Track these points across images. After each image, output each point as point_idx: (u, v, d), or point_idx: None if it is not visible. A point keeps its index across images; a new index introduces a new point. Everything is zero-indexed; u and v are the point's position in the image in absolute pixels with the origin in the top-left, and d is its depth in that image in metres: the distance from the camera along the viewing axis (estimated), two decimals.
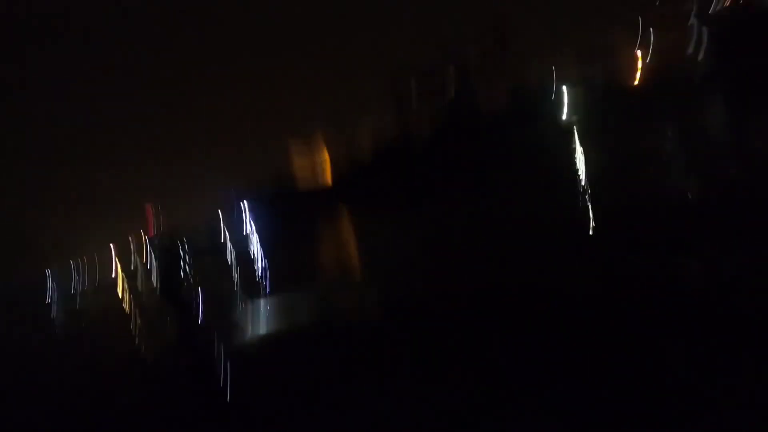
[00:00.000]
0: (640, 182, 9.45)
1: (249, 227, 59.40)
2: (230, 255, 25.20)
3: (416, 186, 34.70)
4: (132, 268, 53.76)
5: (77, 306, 28.80)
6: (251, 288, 11.55)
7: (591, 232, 7.36)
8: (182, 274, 5.12)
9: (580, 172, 13.01)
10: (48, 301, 55.38)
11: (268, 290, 9.48)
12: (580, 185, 10.95)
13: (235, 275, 15.73)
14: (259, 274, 15.35)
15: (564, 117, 51.42)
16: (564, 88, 68.83)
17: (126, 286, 33.74)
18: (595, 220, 8.10)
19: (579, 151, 20.24)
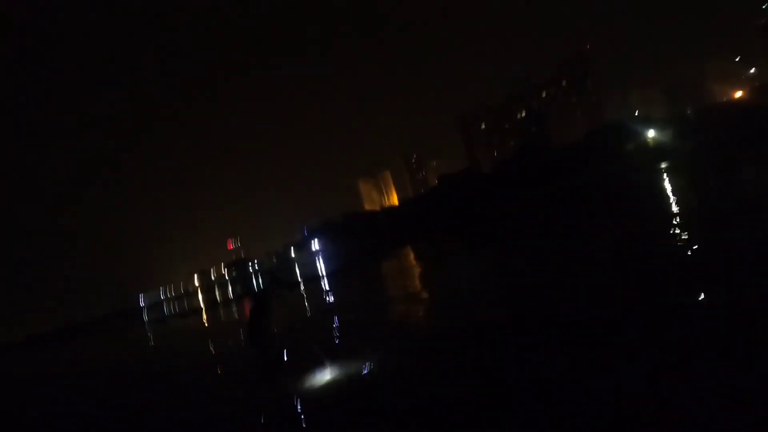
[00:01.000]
0: (736, 224, 8.58)
1: (319, 262, 62.53)
2: (301, 288, 26.42)
3: (486, 225, 34.40)
4: (215, 296, 58.91)
5: (167, 326, 31.64)
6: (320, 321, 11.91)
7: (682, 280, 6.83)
8: (267, 317, 5.63)
9: (668, 212, 12.17)
10: (144, 319, 61.94)
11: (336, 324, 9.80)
12: (668, 226, 10.27)
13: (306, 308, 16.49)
14: (328, 305, 16.01)
15: (648, 156, 48.46)
16: (649, 125, 65.02)
17: (208, 311, 36.25)
18: (686, 264, 7.36)
19: (667, 191, 19.00)
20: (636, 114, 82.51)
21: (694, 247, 7.59)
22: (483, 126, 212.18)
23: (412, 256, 24.06)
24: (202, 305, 47.89)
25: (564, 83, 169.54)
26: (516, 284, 9.02)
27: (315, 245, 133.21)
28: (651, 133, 60.85)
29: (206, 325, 22.36)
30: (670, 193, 16.03)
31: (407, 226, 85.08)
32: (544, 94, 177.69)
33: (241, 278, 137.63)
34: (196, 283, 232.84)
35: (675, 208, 12.11)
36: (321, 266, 46.71)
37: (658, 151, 49.26)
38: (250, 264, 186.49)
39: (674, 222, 10.09)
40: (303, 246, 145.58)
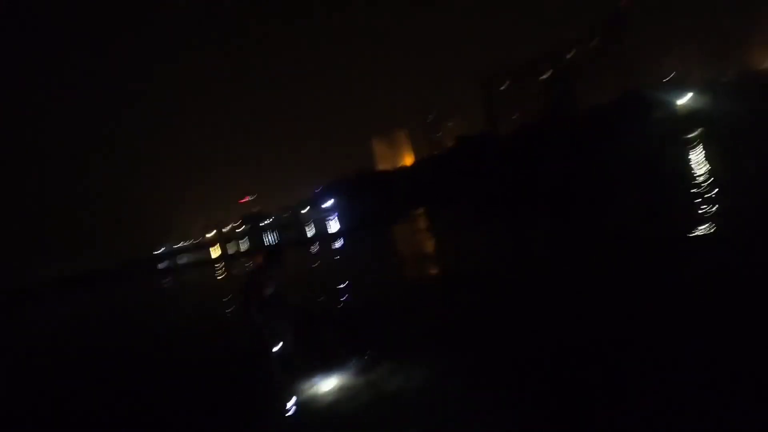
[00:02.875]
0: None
1: (333, 220, 62.57)
2: (314, 247, 26.07)
3: (504, 189, 33.21)
4: (229, 250, 59.84)
5: (183, 275, 32.20)
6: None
7: (711, 246, 6.19)
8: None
9: (698, 181, 11.09)
10: (162, 267, 63.79)
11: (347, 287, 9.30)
12: (699, 194, 9.33)
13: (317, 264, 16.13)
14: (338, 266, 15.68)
15: (678, 126, 45.74)
16: (683, 91, 61.13)
17: (223, 263, 36.68)
18: (715, 232, 6.81)
19: (699, 158, 17.62)
20: (671, 77, 77.64)
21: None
22: (504, 87, 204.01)
23: (423, 222, 23.33)
24: (213, 257, 48.81)
25: (595, 41, 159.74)
26: (526, 267, 8.18)
27: (328, 203, 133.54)
28: (684, 100, 57.30)
29: (218, 278, 22.44)
30: (694, 169, 14.79)
31: (421, 187, 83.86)
32: (572, 53, 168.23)
33: (255, 232, 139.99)
34: (210, 235, 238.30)
35: (696, 189, 10.92)
36: (332, 226, 46.55)
37: (689, 121, 46.44)
38: (264, 219, 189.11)
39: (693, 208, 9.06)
40: (315, 203, 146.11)
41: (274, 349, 4.76)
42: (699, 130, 35.68)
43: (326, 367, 5.00)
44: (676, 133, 38.13)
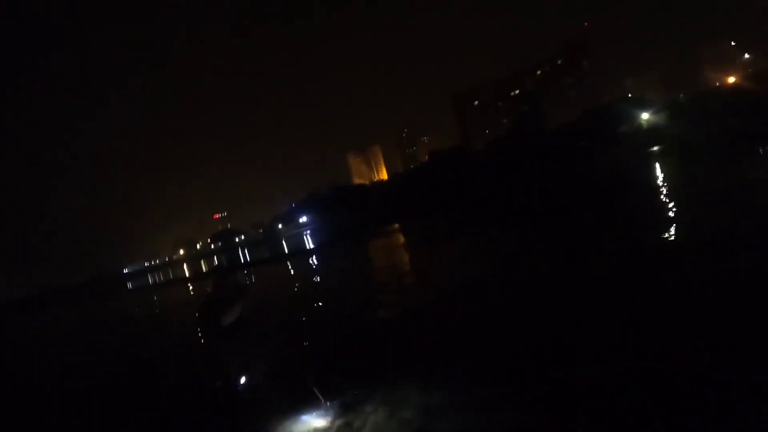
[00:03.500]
0: (733, 208, 8.40)
1: (306, 237, 61.99)
2: (288, 264, 25.71)
3: (476, 205, 33.87)
4: (199, 266, 58.07)
5: (153, 295, 30.92)
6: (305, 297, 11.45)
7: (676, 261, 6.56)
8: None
9: (663, 198, 11.75)
10: (129, 288, 61.15)
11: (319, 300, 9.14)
12: (664, 211, 9.85)
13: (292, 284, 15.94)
14: (314, 281, 15.55)
15: (642, 139, 48.19)
16: (643, 108, 64.47)
17: (192, 282, 35.50)
18: (681, 246, 7.22)
19: (660, 176, 18.57)
20: (630, 96, 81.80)
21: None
22: (476, 103, 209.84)
23: (399, 236, 23.47)
24: (185, 275, 47.24)
25: (560, 62, 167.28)
26: (502, 276, 8.35)
27: (302, 219, 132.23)
28: (645, 116, 60.48)
29: (189, 293, 21.72)
30: (662, 180, 15.60)
31: (396, 201, 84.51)
32: (539, 73, 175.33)
33: (227, 250, 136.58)
34: (181, 253, 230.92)
35: (665, 197, 11.58)
36: (307, 241, 46.13)
37: (651, 135, 48.95)
38: (236, 235, 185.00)
39: (662, 211, 9.61)
40: (290, 219, 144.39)
41: (236, 384, 4.09)
42: (660, 145, 37.74)
43: (297, 405, 4.29)
44: (641, 146, 40.24)
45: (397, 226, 30.80)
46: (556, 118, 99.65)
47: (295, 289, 13.45)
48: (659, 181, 15.50)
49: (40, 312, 51.16)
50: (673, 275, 5.81)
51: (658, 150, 33.64)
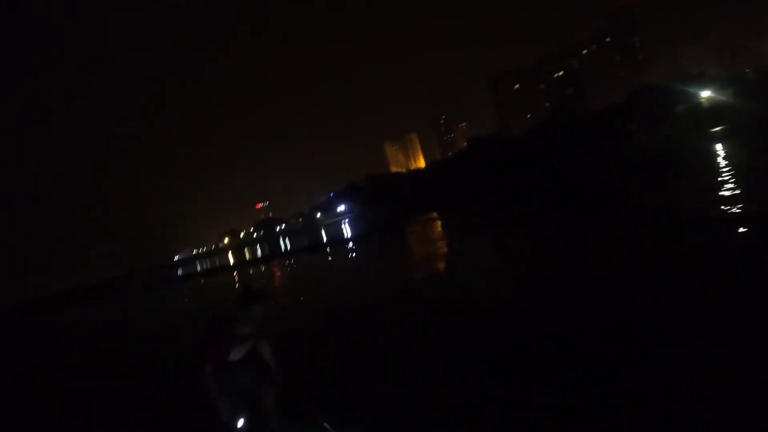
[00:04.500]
0: None
1: (345, 225, 62.72)
2: (328, 252, 26.03)
3: (515, 196, 32.67)
4: (245, 256, 60.24)
5: (201, 282, 32.42)
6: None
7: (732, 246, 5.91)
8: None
9: (727, 185, 10.63)
10: (179, 274, 64.51)
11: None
12: (730, 202, 8.89)
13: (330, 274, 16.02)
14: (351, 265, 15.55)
15: (701, 120, 44.53)
16: (702, 86, 59.75)
17: (238, 269, 36.88)
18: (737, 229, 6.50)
19: (724, 153, 17.03)
20: (687, 73, 75.82)
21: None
22: (517, 87, 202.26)
23: (436, 226, 23.07)
24: (230, 263, 49.18)
25: (608, 40, 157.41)
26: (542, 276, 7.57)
27: (340, 208, 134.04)
28: (705, 94, 55.88)
29: (234, 281, 22.51)
30: (722, 165, 14.18)
31: (434, 190, 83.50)
32: (584, 52, 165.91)
33: (269, 238, 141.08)
34: (225, 241, 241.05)
35: (728, 186, 10.38)
36: (345, 230, 46.57)
37: (713, 114, 45.16)
38: (277, 224, 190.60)
39: (724, 204, 8.60)
40: (328, 208, 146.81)
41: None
42: (723, 125, 34.69)
43: None
44: (699, 128, 37.13)
45: (434, 215, 30.38)
46: (603, 100, 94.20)
47: (324, 289, 13.34)
48: (721, 166, 14.17)
49: (101, 301, 54.99)
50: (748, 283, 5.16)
51: (721, 131, 30.94)
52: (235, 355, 3.27)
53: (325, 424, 3.44)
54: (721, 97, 52.67)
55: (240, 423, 3.28)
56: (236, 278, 25.67)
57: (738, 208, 8.04)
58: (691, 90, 57.36)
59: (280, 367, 3.53)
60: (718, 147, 20.16)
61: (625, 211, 11.49)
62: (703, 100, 55.74)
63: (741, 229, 6.92)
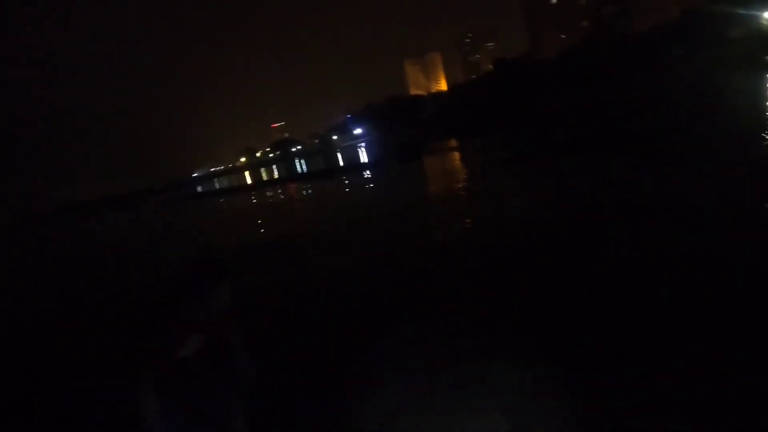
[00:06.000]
0: None
1: (361, 149, 61.56)
2: (344, 176, 25.74)
3: (541, 119, 30.89)
4: (261, 175, 60.40)
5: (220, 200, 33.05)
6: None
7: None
8: None
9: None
10: (199, 191, 65.88)
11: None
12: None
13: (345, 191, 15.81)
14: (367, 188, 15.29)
15: (759, 47, 40.00)
16: (763, 9, 53.16)
17: (256, 190, 37.17)
18: None
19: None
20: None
21: None
22: (552, 1, 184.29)
23: (454, 156, 22.17)
24: (247, 182, 49.55)
25: None
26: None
27: (357, 130, 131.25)
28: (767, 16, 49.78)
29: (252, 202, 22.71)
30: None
31: (456, 115, 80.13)
32: None
33: (285, 158, 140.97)
34: (242, 160, 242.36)
35: None
36: (362, 154, 45.71)
37: None
38: (293, 145, 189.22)
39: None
40: (345, 130, 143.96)
41: None
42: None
43: None
44: (756, 55, 33.32)
45: (453, 143, 29.27)
46: (649, 20, 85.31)
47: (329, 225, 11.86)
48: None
49: (126, 211, 57.05)
50: None
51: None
52: (188, 349, 2.08)
53: None
54: None
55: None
56: (253, 198, 25.89)
57: None
58: (749, 11, 50.79)
59: (255, 365, 2.34)
60: None
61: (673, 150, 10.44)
62: (763, 22, 49.79)
63: None
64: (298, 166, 58.78)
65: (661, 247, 4.59)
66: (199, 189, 75.09)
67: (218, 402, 2.22)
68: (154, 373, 1.93)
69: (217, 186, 66.00)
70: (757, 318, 3.04)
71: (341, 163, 39.66)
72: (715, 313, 3.21)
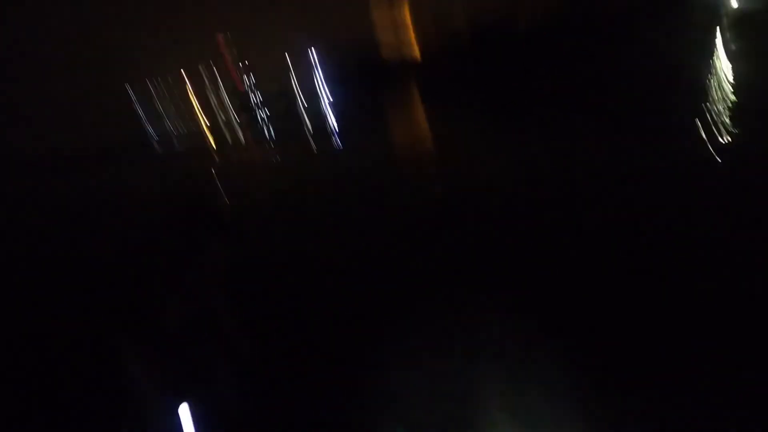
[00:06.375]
0: None
1: (323, 92, 58.01)
2: (304, 121, 23.64)
3: (521, 71, 28.14)
4: (210, 102, 55.36)
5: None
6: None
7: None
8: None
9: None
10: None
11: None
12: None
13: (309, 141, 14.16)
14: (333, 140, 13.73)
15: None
16: None
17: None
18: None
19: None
20: None
21: None
22: None
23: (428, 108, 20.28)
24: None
25: None
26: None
27: (321, 75, 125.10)
28: None
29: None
30: None
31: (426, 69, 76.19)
32: None
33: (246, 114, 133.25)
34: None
35: None
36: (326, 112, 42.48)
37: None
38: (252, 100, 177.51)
39: None
40: (308, 75, 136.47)
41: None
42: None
43: None
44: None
45: (423, 101, 27.13)
46: None
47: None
48: None
49: None
50: None
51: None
52: (179, 317, 2.27)
53: None
54: None
55: (184, 411, 2.34)
56: None
57: None
58: None
59: (245, 332, 2.43)
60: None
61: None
62: None
63: None
64: (264, 128, 55.12)
65: None
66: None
67: (209, 367, 2.26)
68: (145, 337, 2.16)
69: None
70: None
71: (307, 122, 37.02)
72: None
